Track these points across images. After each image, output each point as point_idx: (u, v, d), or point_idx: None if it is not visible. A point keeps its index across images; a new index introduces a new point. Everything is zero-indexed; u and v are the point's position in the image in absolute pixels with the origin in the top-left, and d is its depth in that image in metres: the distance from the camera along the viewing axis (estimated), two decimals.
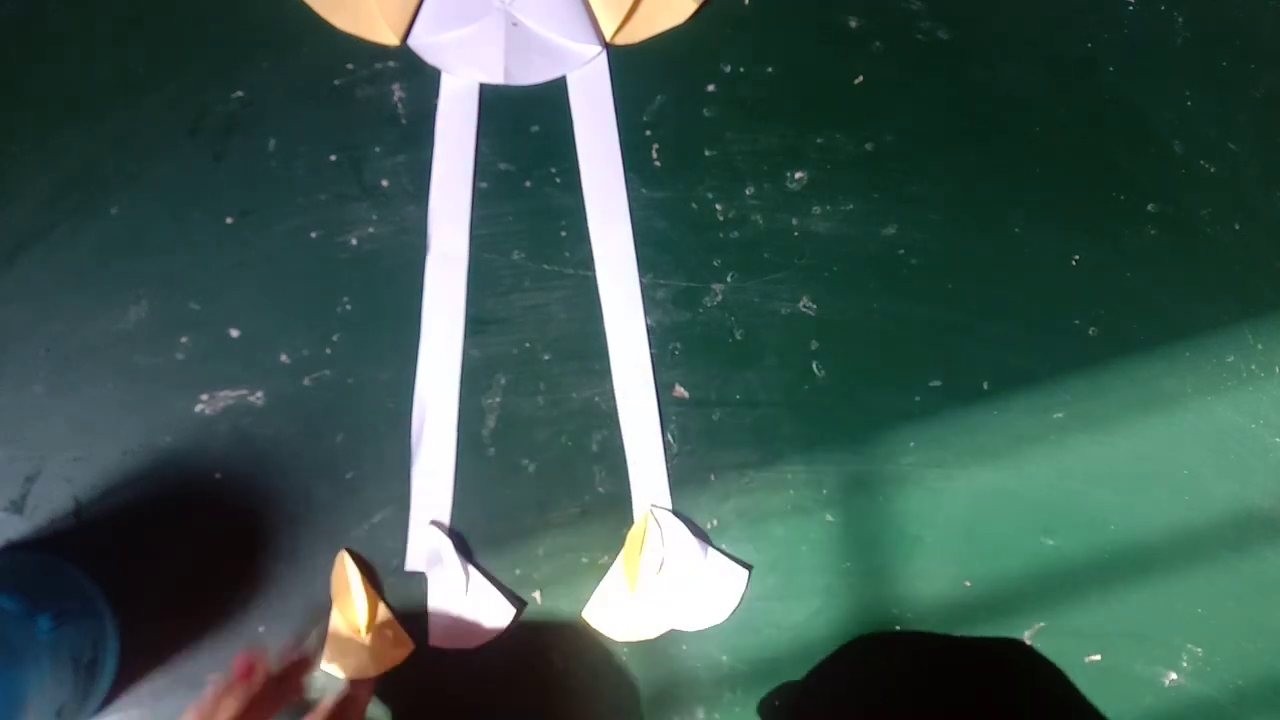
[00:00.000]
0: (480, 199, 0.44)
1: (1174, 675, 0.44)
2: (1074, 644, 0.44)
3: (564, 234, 0.44)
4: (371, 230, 0.43)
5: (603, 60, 0.44)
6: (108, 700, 0.40)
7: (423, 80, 0.44)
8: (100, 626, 0.40)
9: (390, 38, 0.43)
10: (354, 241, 0.43)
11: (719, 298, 0.44)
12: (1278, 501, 0.44)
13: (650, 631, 0.42)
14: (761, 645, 0.43)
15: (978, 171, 0.45)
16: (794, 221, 0.44)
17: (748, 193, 0.44)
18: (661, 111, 0.44)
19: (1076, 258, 0.45)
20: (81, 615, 0.39)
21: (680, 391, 0.43)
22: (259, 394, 0.42)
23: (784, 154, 0.45)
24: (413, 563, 0.42)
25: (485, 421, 0.43)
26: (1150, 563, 0.44)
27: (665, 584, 0.42)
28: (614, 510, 0.43)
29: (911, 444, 0.44)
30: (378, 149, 0.43)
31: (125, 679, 0.40)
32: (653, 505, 0.43)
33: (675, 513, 0.43)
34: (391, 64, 0.44)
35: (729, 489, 0.43)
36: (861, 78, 0.45)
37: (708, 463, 0.43)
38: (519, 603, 0.42)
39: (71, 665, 0.37)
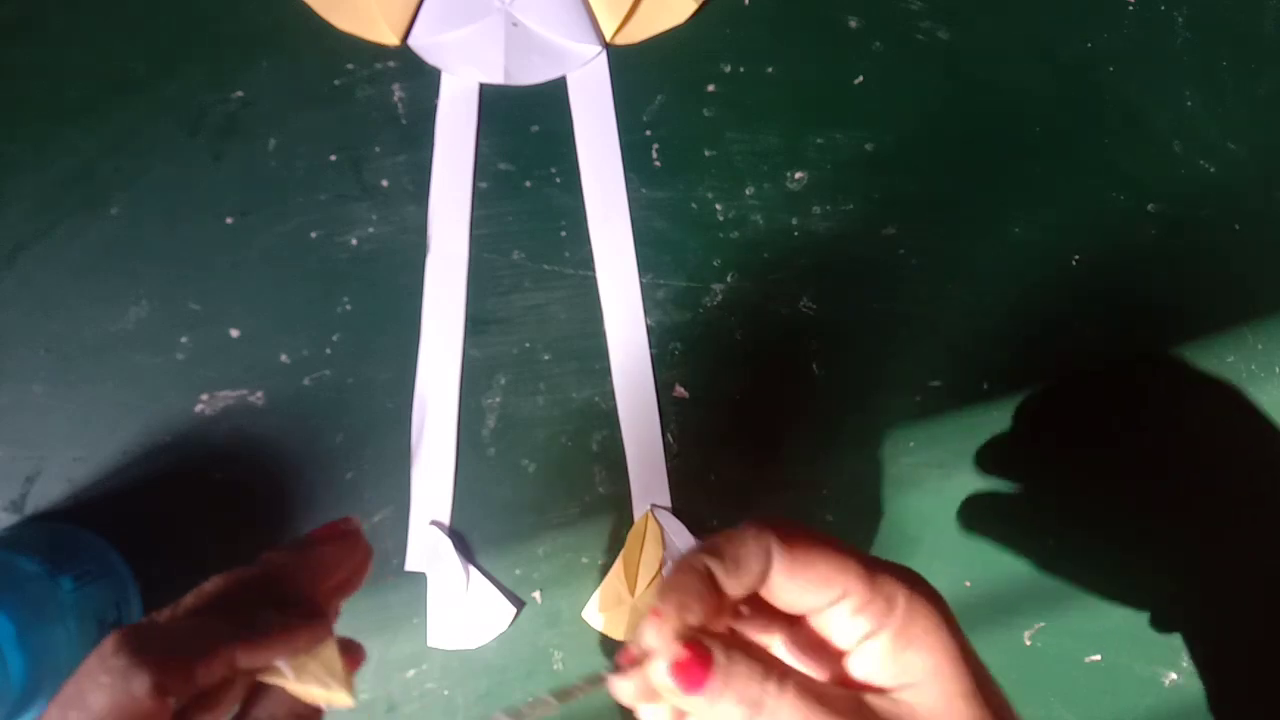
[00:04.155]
0: (480, 199, 0.44)
1: (1174, 675, 0.44)
2: (1074, 644, 0.44)
3: (564, 234, 0.44)
4: (371, 230, 0.43)
5: (603, 60, 0.44)
6: None
7: (423, 80, 0.44)
8: (122, 588, 0.40)
9: (390, 38, 0.43)
10: (354, 241, 0.43)
11: (719, 298, 0.44)
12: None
13: None
14: None
15: (978, 171, 0.45)
16: (794, 221, 0.44)
17: (748, 193, 0.44)
18: (661, 111, 0.44)
19: (1076, 258, 0.45)
20: (102, 576, 0.39)
21: (680, 391, 0.43)
22: (259, 394, 0.42)
23: (784, 154, 0.45)
24: (413, 563, 0.42)
25: (485, 421, 0.43)
26: (1150, 562, 0.44)
27: None
28: (614, 510, 0.43)
29: (911, 444, 0.44)
30: (378, 149, 0.43)
31: None
32: (653, 505, 0.43)
33: (675, 513, 0.43)
34: (391, 64, 0.44)
35: (729, 489, 0.43)
36: (861, 78, 0.45)
37: (708, 463, 0.43)
38: (519, 603, 0.42)
39: (98, 625, 0.37)
